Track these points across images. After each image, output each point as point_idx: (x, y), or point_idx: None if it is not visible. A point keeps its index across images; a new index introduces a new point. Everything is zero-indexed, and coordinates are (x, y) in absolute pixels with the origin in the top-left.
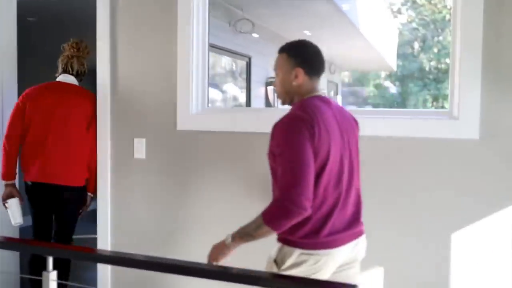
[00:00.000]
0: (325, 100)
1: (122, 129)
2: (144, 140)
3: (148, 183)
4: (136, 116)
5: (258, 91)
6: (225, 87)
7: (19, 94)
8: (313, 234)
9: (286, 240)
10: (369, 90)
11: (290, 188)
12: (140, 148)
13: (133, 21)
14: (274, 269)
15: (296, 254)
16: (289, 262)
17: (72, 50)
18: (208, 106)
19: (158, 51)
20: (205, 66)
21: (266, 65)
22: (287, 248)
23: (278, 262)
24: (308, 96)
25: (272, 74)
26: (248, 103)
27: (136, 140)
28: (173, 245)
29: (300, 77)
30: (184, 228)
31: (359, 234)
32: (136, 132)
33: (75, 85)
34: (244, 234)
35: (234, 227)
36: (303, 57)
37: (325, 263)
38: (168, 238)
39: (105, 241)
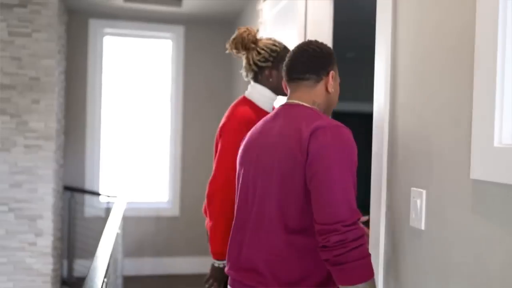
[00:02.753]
0: (283, 107)
1: (397, 175)
2: (424, 192)
3: (430, 264)
4: (416, 156)
5: None
6: None
7: None
8: None
9: None
10: None
11: None
12: (418, 206)
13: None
14: None
15: None
16: None
17: (234, 52)
18: None
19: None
20: None
21: None
22: None
23: None
24: None
25: None
26: None
27: (413, 190)
28: None
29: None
30: None
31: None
32: (413, 179)
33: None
34: None
35: None
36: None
37: None
38: None
39: None
